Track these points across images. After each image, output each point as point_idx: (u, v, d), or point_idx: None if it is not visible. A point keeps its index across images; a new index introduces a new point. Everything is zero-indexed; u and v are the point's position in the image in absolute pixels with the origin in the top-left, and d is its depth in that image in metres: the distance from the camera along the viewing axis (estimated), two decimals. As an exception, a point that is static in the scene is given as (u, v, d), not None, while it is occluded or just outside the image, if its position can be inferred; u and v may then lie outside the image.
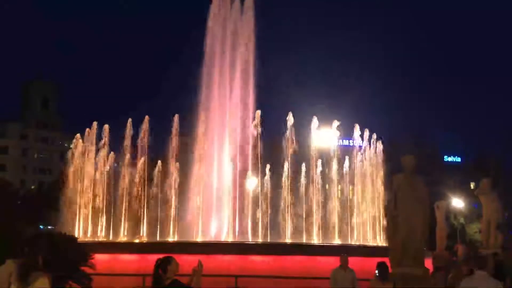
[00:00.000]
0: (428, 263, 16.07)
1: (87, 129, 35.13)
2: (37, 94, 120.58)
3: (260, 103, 35.41)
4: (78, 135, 35.79)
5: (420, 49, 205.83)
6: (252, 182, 34.31)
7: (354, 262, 15.68)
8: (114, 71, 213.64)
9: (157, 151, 35.89)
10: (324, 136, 69.94)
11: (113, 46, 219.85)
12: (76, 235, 28.89)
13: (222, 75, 35.48)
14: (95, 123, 34.78)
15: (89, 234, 33.51)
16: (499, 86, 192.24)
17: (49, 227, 54.13)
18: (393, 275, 14.49)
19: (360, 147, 37.23)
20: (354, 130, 37.26)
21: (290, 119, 33.60)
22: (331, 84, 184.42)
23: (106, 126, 34.31)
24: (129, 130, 33.59)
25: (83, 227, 33.93)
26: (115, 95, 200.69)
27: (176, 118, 33.25)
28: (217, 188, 33.26)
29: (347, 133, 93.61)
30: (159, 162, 33.51)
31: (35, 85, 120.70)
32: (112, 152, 34.75)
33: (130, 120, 33.79)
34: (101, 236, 33.23)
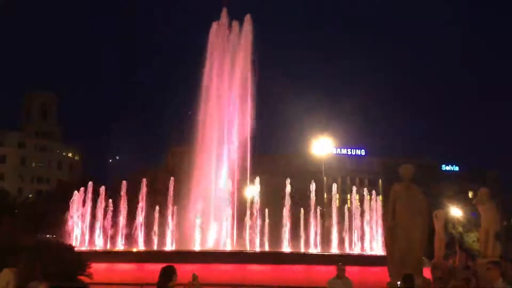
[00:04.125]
0: (427, 272, 16.05)
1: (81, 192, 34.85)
2: (37, 104, 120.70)
3: (257, 114, 35.50)
4: (76, 192, 35.58)
5: (417, 61, 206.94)
6: (250, 192, 34.30)
7: (352, 271, 15.63)
8: (112, 82, 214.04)
9: (155, 160, 35.91)
10: (321, 145, 70.05)
11: (112, 59, 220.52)
12: (74, 244, 28.79)
13: (221, 81, 35.63)
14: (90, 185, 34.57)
15: (86, 243, 33.41)
16: (495, 96, 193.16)
17: (47, 236, 53.95)
18: (392, 284, 14.47)
19: (358, 156, 37.30)
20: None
21: (288, 187, 33.83)
22: (329, 93, 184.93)
23: (102, 189, 34.23)
24: (124, 193, 33.66)
25: (81, 236, 33.82)
26: (113, 104, 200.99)
27: (171, 183, 33.01)
28: (215, 197, 33.22)
29: (343, 143, 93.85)
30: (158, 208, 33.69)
31: (35, 95, 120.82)
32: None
33: (124, 183, 33.76)
34: (98, 245, 33.12)
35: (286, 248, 32.11)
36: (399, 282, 13.06)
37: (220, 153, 34.24)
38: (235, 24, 36.62)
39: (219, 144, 34.47)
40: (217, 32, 36.47)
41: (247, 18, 36.54)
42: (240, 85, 35.39)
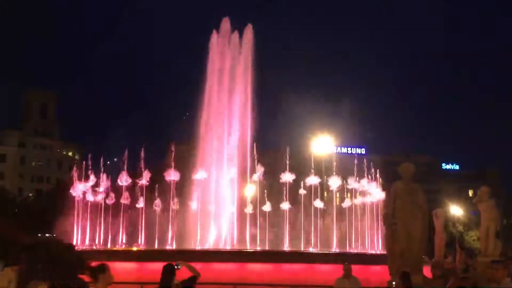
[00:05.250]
0: (427, 271, 16.04)
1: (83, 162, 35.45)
2: (36, 103, 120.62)
3: (258, 113, 35.46)
4: (75, 167, 35.96)
5: (418, 59, 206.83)
6: (250, 190, 34.31)
7: (353, 270, 15.61)
8: (113, 80, 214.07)
9: (155, 159, 35.98)
10: (321, 143, 69.96)
11: (112, 56, 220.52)
12: (74, 243, 28.79)
13: (222, 81, 35.62)
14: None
15: (87, 242, 33.43)
16: (496, 95, 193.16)
17: (46, 234, 53.99)
18: (391, 283, 14.46)
19: (359, 155, 37.28)
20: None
21: (287, 154, 33.97)
22: (330, 91, 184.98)
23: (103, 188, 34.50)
24: (126, 160, 33.87)
25: (81, 235, 33.85)
26: (113, 103, 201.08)
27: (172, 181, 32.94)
28: (216, 195, 33.22)
29: (344, 141, 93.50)
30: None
31: (34, 94, 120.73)
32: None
33: (126, 152, 34.15)
34: (99, 244, 33.14)
35: (286, 246, 32.14)
36: (394, 283, 13.06)
37: (221, 152, 34.25)
38: (236, 24, 36.56)
39: (219, 142, 34.48)
40: (218, 33, 36.35)
41: (249, 26, 36.43)
42: (241, 85, 35.35)
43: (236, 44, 36.04)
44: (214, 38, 36.23)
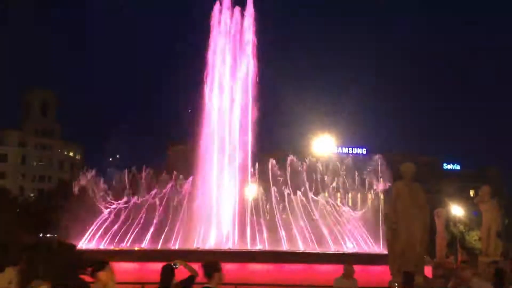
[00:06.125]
0: (428, 271, 16.05)
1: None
2: (37, 102, 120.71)
3: (259, 113, 35.41)
4: (80, 174, 36.44)
5: (418, 56, 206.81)
6: (251, 190, 34.32)
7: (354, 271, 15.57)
8: (112, 79, 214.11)
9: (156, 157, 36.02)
10: (322, 143, 69.93)
11: (112, 55, 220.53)
12: (75, 243, 28.74)
13: (222, 80, 35.55)
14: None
15: (90, 242, 33.45)
16: (497, 94, 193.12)
17: (48, 235, 54.08)
18: (392, 283, 14.47)
19: (359, 155, 37.31)
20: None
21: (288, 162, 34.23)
22: (331, 90, 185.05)
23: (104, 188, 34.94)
24: (128, 180, 34.29)
25: (83, 235, 33.86)
26: (114, 101, 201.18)
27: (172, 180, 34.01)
28: (217, 195, 33.23)
29: (345, 141, 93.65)
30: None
31: (34, 93, 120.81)
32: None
33: (126, 170, 35.07)
34: (100, 244, 33.16)
35: (285, 246, 32.12)
36: (396, 284, 13.04)
37: (222, 151, 34.24)
38: (235, 20, 36.33)
39: (220, 142, 34.46)
40: (218, 28, 36.16)
41: (250, 7, 36.03)
42: (241, 83, 35.28)
43: (237, 31, 35.84)
44: (215, 14, 35.98)
